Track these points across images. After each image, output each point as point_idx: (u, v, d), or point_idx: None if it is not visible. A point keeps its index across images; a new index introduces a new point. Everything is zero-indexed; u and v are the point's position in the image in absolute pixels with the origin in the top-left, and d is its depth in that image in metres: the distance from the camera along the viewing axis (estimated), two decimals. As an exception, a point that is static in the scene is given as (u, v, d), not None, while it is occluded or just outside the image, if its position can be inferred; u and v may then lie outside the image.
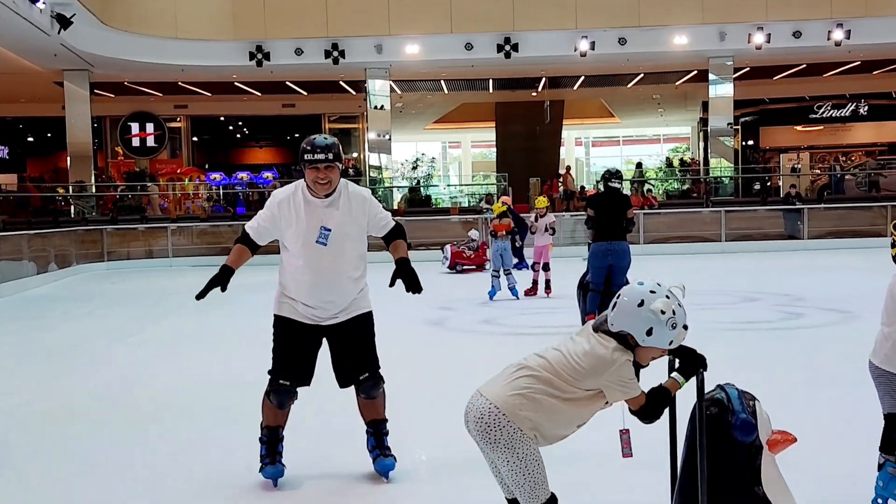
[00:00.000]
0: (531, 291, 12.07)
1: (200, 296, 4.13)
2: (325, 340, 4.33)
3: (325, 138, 4.12)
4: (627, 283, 8.64)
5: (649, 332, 2.86)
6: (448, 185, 33.53)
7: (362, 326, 4.34)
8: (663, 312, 2.83)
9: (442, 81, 28.95)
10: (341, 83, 28.16)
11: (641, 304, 2.86)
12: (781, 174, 30.57)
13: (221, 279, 4.13)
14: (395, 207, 25.50)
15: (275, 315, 4.31)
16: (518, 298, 11.77)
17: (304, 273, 4.18)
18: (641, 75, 28.00)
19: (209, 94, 29.71)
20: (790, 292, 11.81)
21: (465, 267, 16.85)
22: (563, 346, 3.00)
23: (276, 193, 4.27)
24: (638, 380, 2.98)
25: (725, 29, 23.43)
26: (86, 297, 14.01)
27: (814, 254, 18.51)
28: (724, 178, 27.88)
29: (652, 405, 2.93)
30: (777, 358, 7.48)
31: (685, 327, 2.91)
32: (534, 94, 31.63)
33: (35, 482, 4.64)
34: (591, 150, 43.05)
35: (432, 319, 10.17)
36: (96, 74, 24.68)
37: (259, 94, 29.76)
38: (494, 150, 35.29)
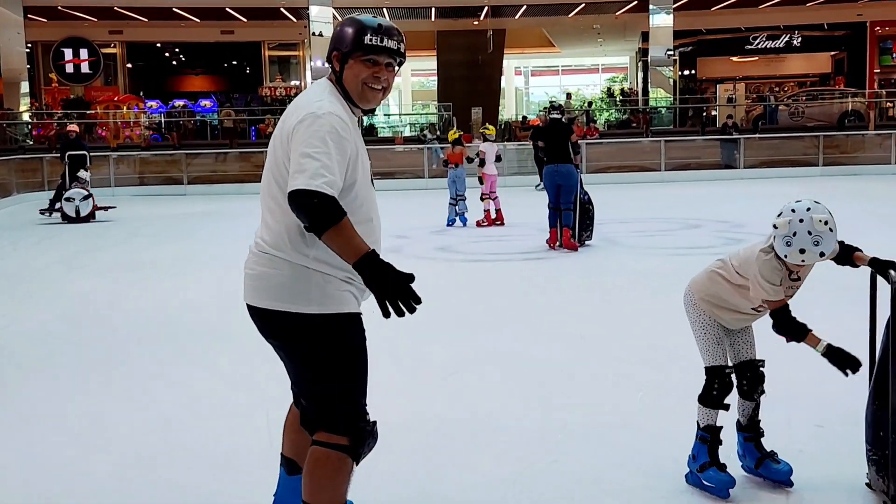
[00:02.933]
0: (483, 222, 12.32)
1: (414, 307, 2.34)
2: None
3: (389, 22, 2.62)
4: (580, 200, 9.55)
5: (771, 241, 3.19)
6: (388, 115, 33.49)
7: None
8: (775, 227, 3.14)
9: (384, 9, 28.68)
10: (282, 10, 27.80)
11: (779, 215, 3.18)
12: (718, 104, 31.23)
13: (395, 273, 2.34)
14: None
15: (337, 315, 2.61)
16: (465, 226, 12.17)
17: (368, 235, 2.53)
18: (582, 5, 28.18)
19: (145, 20, 29.07)
20: (729, 219, 12.34)
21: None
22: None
23: (328, 108, 2.53)
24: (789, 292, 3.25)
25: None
26: (30, 226, 13.97)
27: (750, 182, 19.15)
28: (662, 108, 28.39)
29: (786, 320, 3.18)
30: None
31: (801, 251, 3.06)
32: (476, 22, 31.58)
33: (26, 401, 4.83)
34: (530, 80, 43.28)
35: (388, 247, 10.44)
36: (29, -2, 23.99)
37: (197, 20, 29.18)
38: (435, 79, 35.22)
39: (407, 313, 2.31)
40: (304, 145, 2.43)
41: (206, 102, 30.79)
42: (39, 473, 3.76)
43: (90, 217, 14.18)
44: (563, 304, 7.12)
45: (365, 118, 31.17)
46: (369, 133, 27.87)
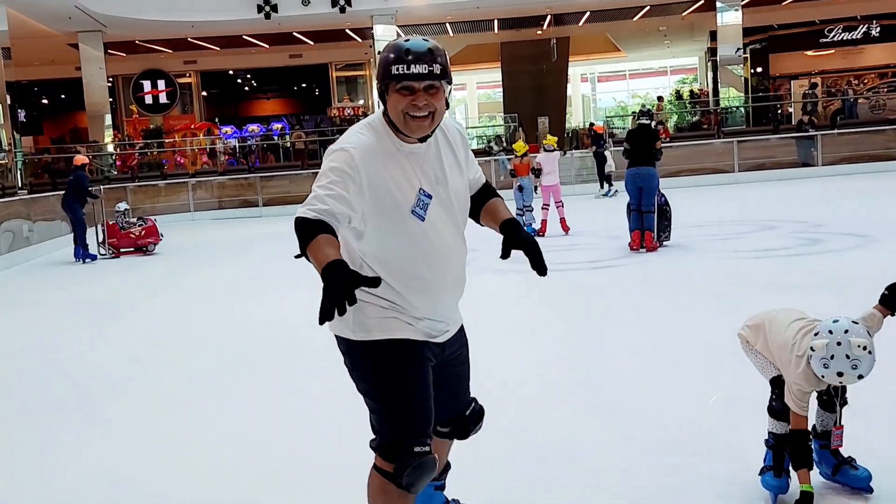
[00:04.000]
0: (540, 232, 12.31)
1: (324, 317, 2.16)
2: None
3: (426, 40, 2.52)
4: (658, 203, 9.72)
5: (808, 359, 3.13)
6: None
7: (464, 341, 2.90)
8: (812, 350, 3.10)
9: (447, 24, 28.91)
10: (347, 31, 28.21)
11: (815, 334, 3.14)
12: (793, 101, 30.53)
13: (344, 283, 2.18)
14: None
15: (377, 342, 2.64)
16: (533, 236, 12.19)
17: (406, 266, 2.60)
18: (647, 7, 27.88)
19: (218, 49, 29.86)
20: (807, 219, 12.07)
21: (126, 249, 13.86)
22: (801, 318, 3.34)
23: (350, 141, 2.56)
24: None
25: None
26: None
27: (829, 180, 18.70)
28: (734, 108, 27.89)
29: (801, 444, 3.21)
30: (803, 283, 7.62)
31: (839, 374, 3.05)
32: (539, 32, 31.54)
33: (113, 420, 5.02)
34: (596, 86, 42.99)
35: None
36: (109, 34, 24.89)
37: (266, 46, 29.84)
38: (500, 90, 35.27)
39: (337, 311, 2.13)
40: (316, 179, 2.51)
41: (277, 125, 31.42)
42: (122, 490, 3.91)
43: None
44: (633, 312, 7.05)
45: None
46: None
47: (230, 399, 5.30)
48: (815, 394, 3.31)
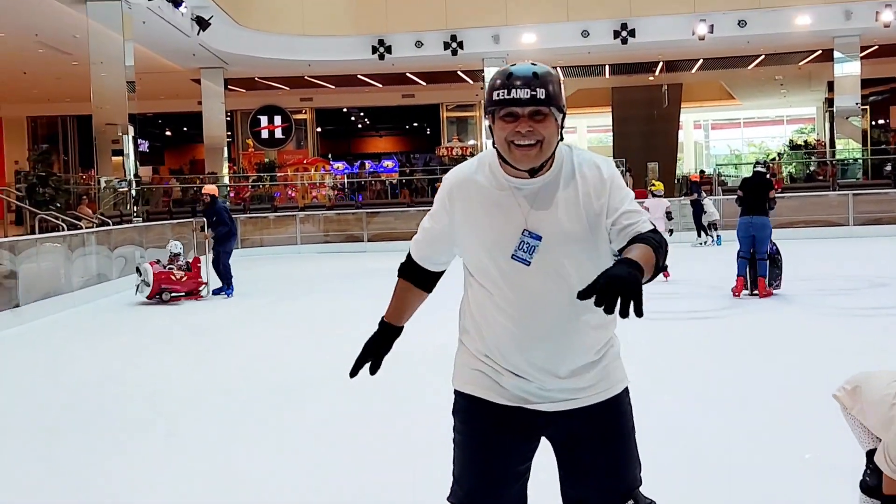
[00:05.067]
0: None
1: (353, 372, 2.58)
2: (543, 439, 2.49)
3: (534, 64, 2.30)
4: (769, 251, 9.70)
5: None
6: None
7: (615, 416, 2.44)
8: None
9: (558, 68, 29.06)
10: (459, 73, 28.69)
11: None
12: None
13: (375, 348, 2.59)
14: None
15: (456, 392, 2.53)
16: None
17: (500, 314, 2.38)
18: (762, 56, 27.46)
19: (333, 87, 30.76)
20: (920, 278, 11.63)
21: (174, 294, 12.19)
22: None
23: (450, 175, 2.48)
24: None
25: (851, 7, 22.79)
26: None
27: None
28: (852, 160, 27.07)
29: None
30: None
31: None
32: (651, 78, 31.40)
33: (196, 448, 5.23)
34: (710, 133, 42.39)
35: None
36: (229, 71, 26.04)
37: (380, 85, 30.59)
38: (611, 135, 35.20)
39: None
40: None
41: (388, 163, 32.09)
42: None
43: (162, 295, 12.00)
44: (726, 367, 6.95)
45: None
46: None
47: (306, 433, 5.44)
48: None
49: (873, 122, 31.60)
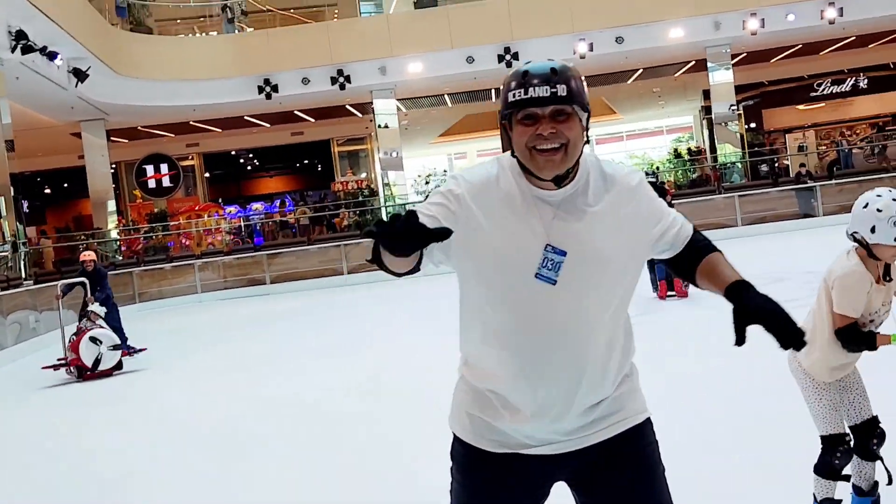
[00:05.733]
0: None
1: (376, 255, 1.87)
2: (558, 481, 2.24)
3: (550, 60, 2.09)
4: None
5: (873, 230, 3.16)
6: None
7: (637, 448, 2.16)
8: (880, 210, 3.13)
9: (445, 96, 29.38)
10: (348, 107, 28.66)
11: (866, 206, 3.20)
12: (789, 154, 30.84)
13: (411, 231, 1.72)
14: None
15: (455, 437, 2.24)
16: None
17: (507, 343, 2.09)
18: (640, 70, 28.37)
19: (220, 130, 30.28)
20: (815, 269, 11.98)
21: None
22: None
23: (465, 175, 2.15)
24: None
25: (719, 18, 23.79)
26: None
27: (832, 229, 18.68)
28: (732, 164, 28.14)
29: (855, 332, 3.16)
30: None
31: None
32: (536, 99, 31.98)
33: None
34: (595, 148, 43.46)
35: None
36: (111, 122, 25.31)
37: (268, 125, 30.27)
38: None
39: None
40: None
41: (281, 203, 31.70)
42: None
43: (111, 371, 10.66)
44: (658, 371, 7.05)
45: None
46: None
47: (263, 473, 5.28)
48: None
49: (748, 126, 33.00)
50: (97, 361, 10.34)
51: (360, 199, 29.10)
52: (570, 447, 2.10)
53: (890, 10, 23.03)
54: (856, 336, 3.14)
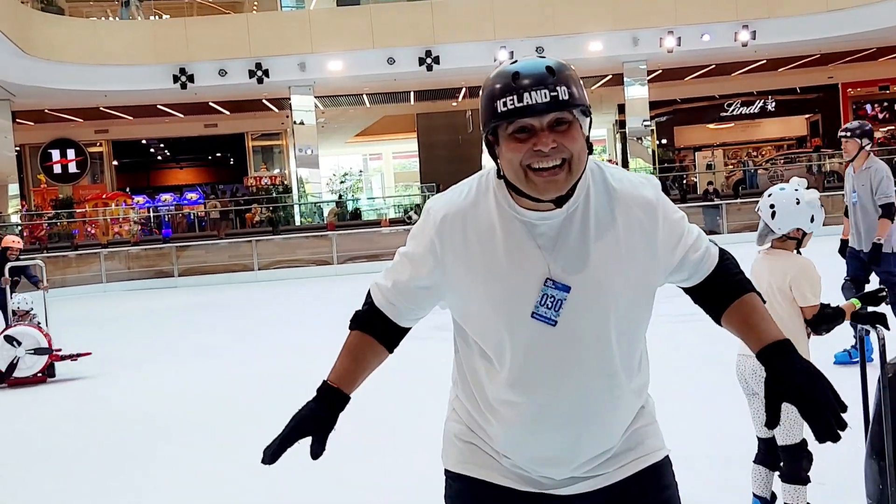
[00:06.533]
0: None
1: (271, 457, 1.81)
2: None
3: (542, 57, 1.73)
4: None
5: (812, 219, 3.46)
6: (370, 198, 33.83)
7: (656, 489, 1.90)
8: (809, 202, 3.44)
9: (364, 95, 29.28)
10: (264, 101, 28.30)
11: (798, 202, 3.43)
12: (698, 171, 31.72)
13: (315, 423, 1.83)
14: (326, 223, 25.73)
15: (447, 472, 1.97)
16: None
17: (506, 392, 1.81)
18: (559, 81, 28.73)
19: (131, 118, 29.52)
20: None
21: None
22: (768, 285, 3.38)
23: (437, 204, 1.87)
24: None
25: (638, 34, 24.30)
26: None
27: (736, 246, 19.17)
28: (643, 178, 28.70)
29: (827, 316, 3.34)
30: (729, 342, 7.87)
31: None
32: (454, 103, 32.20)
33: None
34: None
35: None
36: (17, 103, 24.39)
37: (181, 115, 29.66)
38: (416, 160, 35.75)
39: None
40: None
41: (191, 195, 31.09)
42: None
43: (41, 375, 8.87)
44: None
45: (351, 203, 31.63)
46: (354, 217, 28.00)
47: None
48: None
49: (659, 142, 33.82)
50: (12, 366, 8.64)
51: (274, 195, 28.72)
52: (581, 489, 1.84)
53: (799, 36, 23.90)
54: (829, 317, 3.32)
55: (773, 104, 33.59)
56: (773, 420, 1.70)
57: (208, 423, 6.46)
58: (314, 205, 27.13)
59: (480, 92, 1.76)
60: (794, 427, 3.36)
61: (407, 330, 1.95)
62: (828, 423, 1.65)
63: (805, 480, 3.35)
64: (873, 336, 3.32)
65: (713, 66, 28.05)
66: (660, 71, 27.45)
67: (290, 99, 25.79)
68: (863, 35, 23.95)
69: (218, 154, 36.67)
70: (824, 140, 31.69)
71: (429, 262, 1.82)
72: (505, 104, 1.66)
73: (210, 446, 5.81)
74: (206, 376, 8.41)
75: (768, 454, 3.45)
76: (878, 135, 33.43)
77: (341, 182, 31.08)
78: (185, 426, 6.42)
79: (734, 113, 34.06)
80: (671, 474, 1.90)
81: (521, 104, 1.65)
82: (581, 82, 1.73)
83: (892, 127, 33.25)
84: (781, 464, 3.38)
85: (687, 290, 1.94)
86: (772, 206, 3.42)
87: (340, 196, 29.32)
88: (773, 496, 3.48)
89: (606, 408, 1.79)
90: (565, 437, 1.78)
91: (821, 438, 1.66)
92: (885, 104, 33.23)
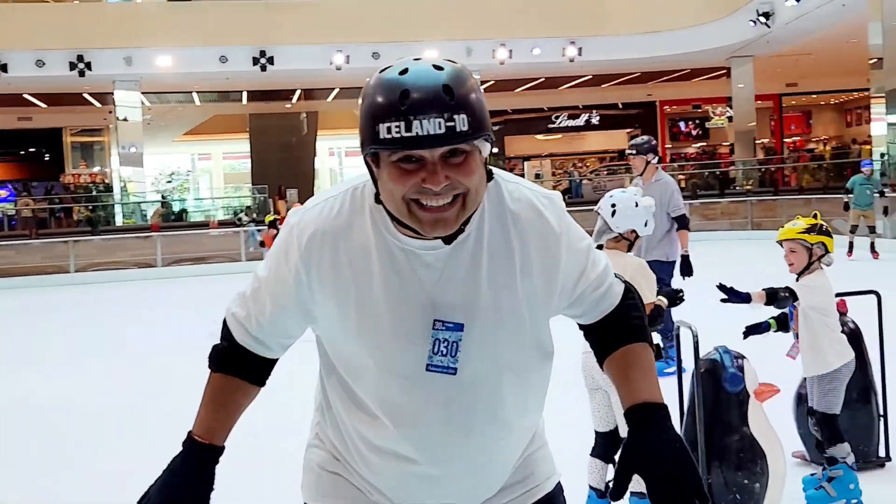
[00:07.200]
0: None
1: None
2: None
3: (437, 68, 1.42)
4: None
5: (646, 224, 3.74)
6: (198, 199, 32.86)
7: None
8: (647, 207, 3.70)
9: (194, 93, 28.39)
10: (85, 95, 26.92)
11: (636, 205, 3.68)
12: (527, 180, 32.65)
13: (190, 488, 1.56)
14: (150, 224, 24.74)
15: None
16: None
17: (397, 445, 1.56)
18: (395, 87, 28.88)
19: (-66, 108, 27.38)
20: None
21: None
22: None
23: (302, 222, 1.56)
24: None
25: (472, 45, 24.75)
26: None
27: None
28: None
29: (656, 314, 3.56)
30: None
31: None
32: (288, 105, 31.76)
33: None
34: (344, 160, 43.72)
35: (211, 332, 10.19)
36: None
37: (-8, 107, 27.77)
38: (247, 161, 35.00)
39: None
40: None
41: (1, 192, 29.17)
42: None
43: None
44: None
45: (178, 203, 30.57)
46: (179, 219, 26.98)
47: None
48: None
49: (491, 151, 34.62)
50: None
51: (95, 193, 27.34)
52: None
53: (621, 54, 25.04)
54: (653, 316, 3.55)
55: (598, 118, 35.07)
56: (620, 490, 1.45)
57: (44, 434, 6.03)
58: (137, 204, 26.05)
59: (360, 99, 1.46)
60: None
61: (275, 362, 1.69)
62: None
63: None
64: (687, 333, 3.53)
65: (542, 79, 28.96)
66: (492, 82, 28.06)
67: (113, 94, 24.65)
68: (678, 56, 25.38)
69: (32, 149, 34.57)
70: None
71: (292, 293, 1.54)
72: (389, 130, 1.36)
73: (42, 456, 5.43)
74: (28, 385, 7.85)
75: (605, 448, 3.61)
76: (690, 150, 35.66)
77: (168, 181, 30.03)
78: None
79: (561, 125, 35.35)
80: (563, 502, 1.74)
81: (409, 134, 1.35)
82: (483, 97, 1.44)
83: (704, 143, 35.45)
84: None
85: (579, 324, 1.74)
86: (613, 206, 3.64)
87: (163, 196, 28.26)
88: (608, 487, 3.61)
89: (501, 449, 1.59)
90: (462, 483, 1.58)
91: None
92: (698, 122, 35.39)
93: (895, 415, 4.41)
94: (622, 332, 1.64)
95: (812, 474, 3.91)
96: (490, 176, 1.49)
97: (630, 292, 1.68)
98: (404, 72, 1.39)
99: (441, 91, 1.36)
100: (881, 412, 4.38)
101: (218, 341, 1.67)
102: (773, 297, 3.71)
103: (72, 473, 5.11)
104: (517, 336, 1.53)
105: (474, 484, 1.59)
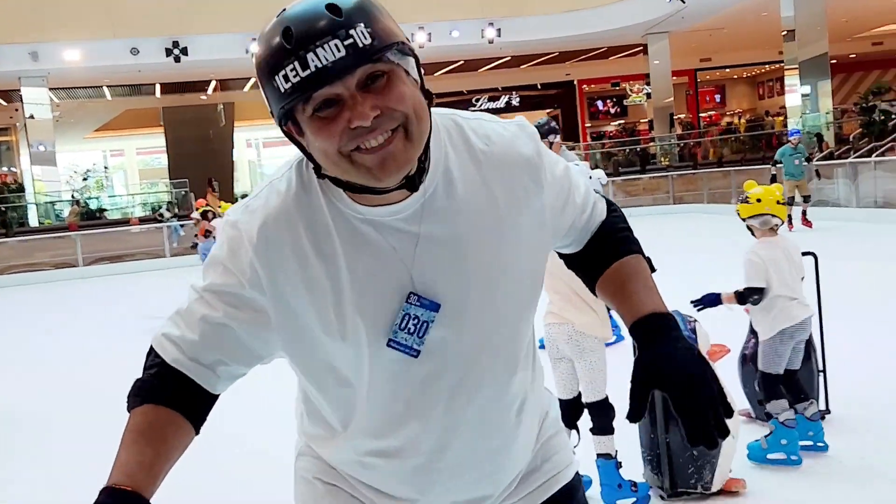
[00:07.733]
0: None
1: None
2: None
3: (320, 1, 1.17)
4: None
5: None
6: (112, 196, 31.98)
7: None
8: (600, 181, 4.00)
9: (105, 87, 27.60)
10: (-12, 93, 26.00)
11: (591, 178, 3.80)
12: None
13: None
14: (67, 224, 24.00)
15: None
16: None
17: (374, 443, 1.40)
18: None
19: None
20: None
21: None
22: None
23: (244, 216, 1.31)
24: None
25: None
26: None
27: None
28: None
29: None
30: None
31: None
32: (204, 97, 31.12)
33: None
34: (262, 151, 43.10)
35: (144, 329, 9.91)
36: None
37: None
38: (163, 156, 34.21)
39: None
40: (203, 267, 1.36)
41: None
42: None
43: None
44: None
45: (95, 201, 29.62)
46: (96, 217, 26.18)
47: None
48: None
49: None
50: None
51: (6, 194, 26.38)
52: None
53: (540, 35, 25.20)
54: None
55: (518, 99, 35.22)
56: (637, 412, 1.29)
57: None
58: (51, 204, 25.24)
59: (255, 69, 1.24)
60: (598, 384, 3.57)
61: (215, 400, 1.35)
62: (706, 423, 1.24)
63: (612, 430, 3.58)
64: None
65: (462, 61, 28.97)
66: (411, 66, 28.04)
67: (20, 91, 23.79)
68: (596, 35, 25.66)
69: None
70: (564, 133, 33.67)
71: (246, 299, 1.28)
72: (286, 78, 1.16)
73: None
74: None
75: (568, 415, 3.61)
76: (609, 128, 36.13)
77: (84, 179, 29.18)
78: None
79: (482, 107, 35.39)
80: (583, 496, 1.58)
81: (307, 72, 1.15)
82: (382, 6, 1.24)
83: (623, 121, 35.95)
84: (592, 419, 3.59)
85: (561, 254, 1.57)
86: None
87: (73, 195, 27.32)
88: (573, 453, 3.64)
89: (506, 438, 1.43)
90: (466, 479, 1.42)
91: (693, 441, 1.25)
92: (615, 100, 35.86)
93: (833, 370, 4.52)
94: (612, 247, 1.49)
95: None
96: (429, 97, 1.26)
97: (612, 204, 1.55)
98: (281, 13, 1.21)
99: (324, 10, 1.16)
100: (821, 367, 4.48)
101: (140, 374, 1.33)
102: (743, 299, 3.93)
103: None
104: (513, 298, 1.36)
105: (492, 470, 1.43)
